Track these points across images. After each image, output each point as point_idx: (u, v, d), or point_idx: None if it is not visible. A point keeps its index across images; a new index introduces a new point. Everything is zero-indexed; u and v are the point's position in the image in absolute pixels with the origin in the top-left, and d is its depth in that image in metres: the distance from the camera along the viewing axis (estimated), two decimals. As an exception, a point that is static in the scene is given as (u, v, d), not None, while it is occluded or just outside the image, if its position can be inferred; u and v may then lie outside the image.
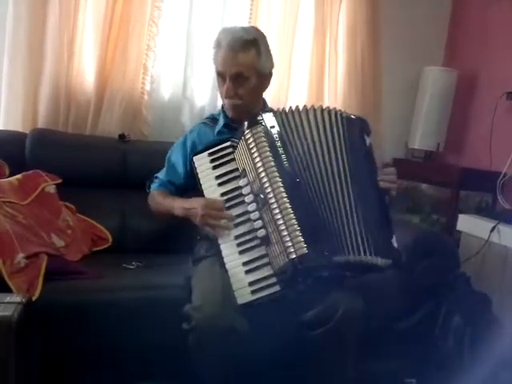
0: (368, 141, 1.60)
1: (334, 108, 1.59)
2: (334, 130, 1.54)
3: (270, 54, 1.78)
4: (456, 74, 2.86)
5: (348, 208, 1.48)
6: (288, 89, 2.66)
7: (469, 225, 2.38)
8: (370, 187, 1.53)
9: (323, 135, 1.53)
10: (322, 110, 1.56)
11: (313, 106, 1.58)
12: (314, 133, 1.53)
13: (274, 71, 2.56)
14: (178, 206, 1.71)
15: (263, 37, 1.78)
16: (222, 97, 1.79)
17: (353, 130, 1.57)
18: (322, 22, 2.66)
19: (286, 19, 2.61)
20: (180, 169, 1.85)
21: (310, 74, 2.70)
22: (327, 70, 2.71)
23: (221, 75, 1.73)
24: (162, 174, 1.90)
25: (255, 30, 1.83)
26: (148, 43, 2.41)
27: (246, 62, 1.69)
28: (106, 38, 2.32)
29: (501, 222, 2.20)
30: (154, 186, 1.90)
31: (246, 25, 1.87)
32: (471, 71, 2.88)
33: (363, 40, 2.73)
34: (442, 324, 1.97)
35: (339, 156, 1.51)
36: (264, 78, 1.77)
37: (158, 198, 1.84)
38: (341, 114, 1.57)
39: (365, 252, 1.44)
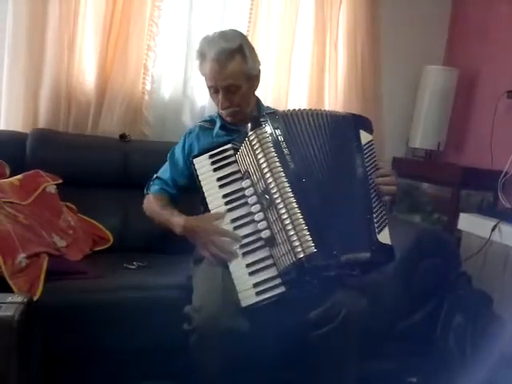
0: (367, 138, 1.60)
1: (325, 110, 1.60)
2: (322, 131, 1.54)
3: (255, 53, 1.75)
4: (456, 72, 2.86)
5: (342, 206, 1.49)
6: (288, 89, 2.66)
7: (470, 224, 2.38)
8: (355, 185, 1.53)
9: (315, 137, 1.53)
10: (313, 112, 1.56)
11: (310, 109, 1.58)
12: (311, 134, 1.53)
13: (274, 72, 2.61)
14: (179, 224, 1.64)
15: (245, 39, 1.76)
16: (217, 107, 1.77)
17: (339, 129, 1.57)
18: (322, 22, 2.66)
19: (286, 19, 2.61)
20: (182, 168, 1.84)
21: (311, 74, 2.70)
22: (327, 70, 2.71)
23: (212, 88, 1.72)
24: (163, 174, 1.86)
25: (235, 34, 1.75)
26: (148, 43, 2.42)
27: (234, 72, 1.66)
28: (106, 38, 2.32)
29: (502, 220, 2.20)
30: (153, 188, 1.85)
31: (225, 28, 1.81)
32: (472, 70, 2.88)
33: (363, 40, 2.73)
34: (443, 323, 1.97)
35: (326, 156, 1.52)
36: (254, 79, 1.76)
37: (156, 206, 1.78)
38: (327, 115, 1.57)
39: (350, 250, 1.45)
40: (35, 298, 1.49)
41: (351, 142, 1.57)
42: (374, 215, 1.51)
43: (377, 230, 1.50)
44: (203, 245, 1.57)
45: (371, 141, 1.61)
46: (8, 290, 1.47)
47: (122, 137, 2.33)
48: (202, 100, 2.58)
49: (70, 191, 2.07)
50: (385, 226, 1.53)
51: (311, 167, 1.49)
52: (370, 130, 1.63)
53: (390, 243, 1.53)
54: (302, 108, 1.58)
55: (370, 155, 1.58)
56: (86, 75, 2.37)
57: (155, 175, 1.88)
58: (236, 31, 1.80)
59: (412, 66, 2.92)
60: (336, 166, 1.52)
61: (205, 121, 1.90)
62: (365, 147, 1.58)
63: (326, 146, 1.52)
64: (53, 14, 2.25)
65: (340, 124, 1.58)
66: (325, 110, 1.60)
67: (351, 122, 1.60)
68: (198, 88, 2.57)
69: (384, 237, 1.52)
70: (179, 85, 2.56)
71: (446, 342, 1.97)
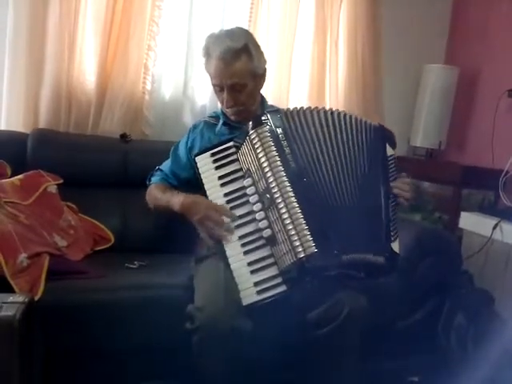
0: (390, 151, 1.60)
1: (337, 109, 1.59)
2: (326, 129, 1.53)
3: (261, 51, 1.75)
4: (457, 71, 2.86)
5: (350, 208, 1.48)
6: (289, 89, 2.66)
7: (471, 222, 2.38)
8: (373, 190, 1.53)
9: (331, 136, 1.52)
10: (313, 110, 1.55)
11: (321, 107, 1.57)
12: (320, 134, 1.52)
13: (274, 71, 2.60)
14: (178, 201, 1.67)
15: (251, 37, 1.75)
16: (221, 105, 1.78)
17: (371, 136, 1.57)
18: (322, 21, 2.66)
19: (287, 18, 2.60)
20: (184, 162, 1.85)
21: (311, 73, 2.70)
22: (328, 69, 2.71)
23: (217, 86, 1.72)
24: (165, 166, 1.89)
25: (242, 33, 1.76)
26: (149, 43, 2.41)
27: (239, 71, 1.66)
28: (106, 38, 2.32)
29: (503, 219, 2.20)
30: (154, 178, 1.88)
31: (232, 27, 1.81)
32: (472, 69, 2.88)
33: (364, 39, 2.72)
34: (444, 322, 1.97)
35: (333, 155, 1.51)
36: (260, 78, 1.76)
37: (157, 193, 1.81)
38: (332, 113, 1.56)
39: (361, 250, 1.45)
40: (36, 298, 1.49)
41: (377, 152, 1.57)
42: (391, 223, 1.52)
43: (392, 239, 1.52)
44: (199, 220, 1.57)
45: (393, 155, 1.62)
46: (9, 289, 1.47)
47: (123, 137, 2.33)
48: (202, 99, 2.58)
49: (71, 191, 2.07)
50: (398, 237, 1.54)
51: (315, 166, 1.48)
52: (394, 145, 1.64)
53: (398, 252, 1.54)
54: (310, 107, 1.57)
55: (391, 166, 1.59)
56: (87, 75, 2.36)
57: (157, 167, 1.90)
58: (242, 29, 1.81)
59: (413, 64, 2.92)
60: (349, 167, 1.51)
61: (210, 116, 1.90)
62: (389, 158, 1.59)
63: (333, 145, 1.52)
64: (53, 13, 2.25)
65: (362, 129, 1.57)
66: (331, 109, 1.58)
67: (378, 132, 1.60)
68: (199, 88, 2.57)
69: (395, 246, 1.53)
70: (180, 85, 2.55)
71: (447, 341, 1.97)
